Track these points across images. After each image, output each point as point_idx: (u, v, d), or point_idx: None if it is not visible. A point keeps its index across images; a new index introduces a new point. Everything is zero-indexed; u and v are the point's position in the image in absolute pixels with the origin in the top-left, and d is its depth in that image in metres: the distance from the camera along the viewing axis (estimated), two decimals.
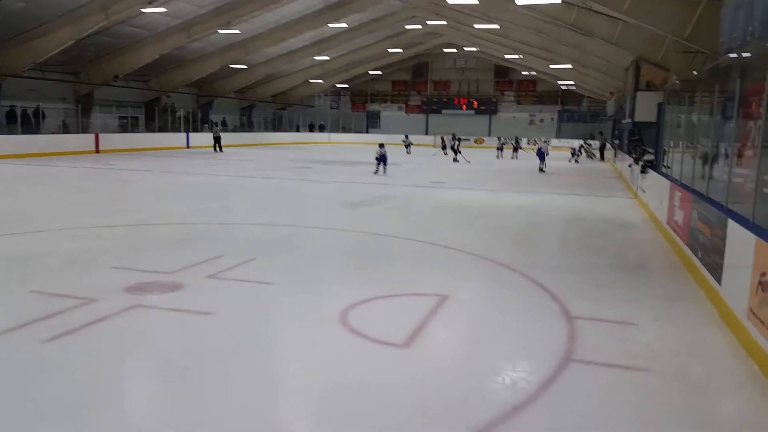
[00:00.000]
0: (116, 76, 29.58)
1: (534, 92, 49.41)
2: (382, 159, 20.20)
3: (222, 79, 39.11)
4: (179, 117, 35.37)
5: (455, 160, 27.79)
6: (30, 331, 4.82)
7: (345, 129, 51.61)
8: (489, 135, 48.17)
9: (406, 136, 35.36)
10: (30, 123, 26.48)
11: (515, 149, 32.60)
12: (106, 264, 7.09)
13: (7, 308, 5.54)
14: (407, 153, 32.94)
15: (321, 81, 46.86)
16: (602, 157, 33.80)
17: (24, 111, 26.26)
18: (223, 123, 41.68)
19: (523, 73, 46.36)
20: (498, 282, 6.93)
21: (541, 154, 24.03)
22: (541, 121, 49.11)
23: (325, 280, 6.76)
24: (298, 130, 49.48)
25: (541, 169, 23.39)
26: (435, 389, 4.06)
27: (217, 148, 32.20)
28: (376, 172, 19.98)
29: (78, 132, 28.25)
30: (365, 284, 6.52)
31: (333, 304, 5.65)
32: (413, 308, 5.68)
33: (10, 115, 25.74)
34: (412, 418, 3.66)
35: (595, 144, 36.11)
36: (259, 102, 45.81)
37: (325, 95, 53.87)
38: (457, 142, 29.38)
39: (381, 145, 20.85)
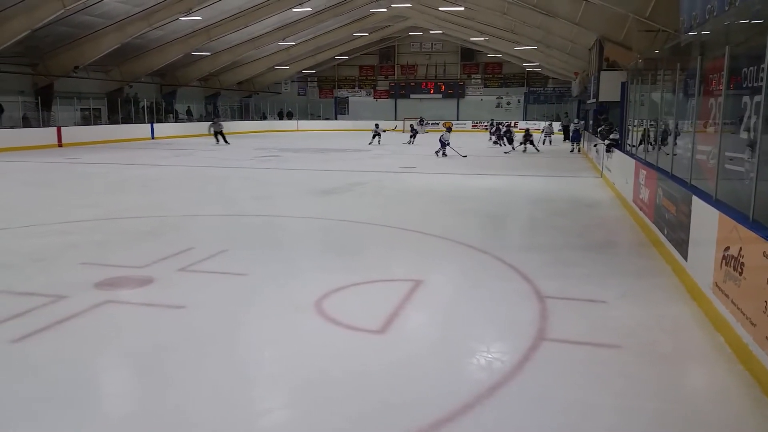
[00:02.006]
0: (76, 67, 28.80)
1: (500, 75, 49.61)
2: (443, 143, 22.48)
3: (185, 68, 38.43)
4: (143, 107, 34.71)
5: (512, 148, 25.09)
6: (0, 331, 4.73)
7: (313, 116, 51.25)
8: (457, 119, 48.32)
9: (377, 125, 30.86)
10: None
11: (502, 137, 26.87)
12: (73, 260, 6.96)
13: None
14: (371, 143, 28.97)
15: (287, 67, 46.34)
16: (566, 137, 34.08)
17: None
18: (188, 112, 41.00)
19: (489, 55, 46.53)
20: (470, 265, 7.00)
21: (577, 136, 25.83)
22: (508, 103, 49.40)
23: (299, 269, 6.74)
24: (265, 118, 48.94)
25: (574, 150, 25.47)
26: (412, 373, 4.10)
27: (220, 140, 29.75)
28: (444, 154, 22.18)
29: (39, 126, 27.54)
30: (339, 272, 6.52)
31: (308, 293, 5.65)
32: (388, 294, 5.70)
33: None
34: (390, 402, 3.69)
35: (557, 125, 36.18)
36: (225, 90, 45.15)
37: (292, 82, 53.30)
38: (504, 128, 27.12)
39: (449, 129, 24.44)
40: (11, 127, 26.12)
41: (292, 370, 4.19)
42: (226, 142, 29.64)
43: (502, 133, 26.99)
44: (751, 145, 5.17)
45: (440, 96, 50.23)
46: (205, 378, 4.02)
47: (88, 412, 3.59)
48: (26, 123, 27.67)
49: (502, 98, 49.62)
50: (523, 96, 49.10)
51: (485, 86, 50.08)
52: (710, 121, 6.31)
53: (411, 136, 31.01)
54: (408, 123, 39.08)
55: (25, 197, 12.74)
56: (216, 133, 29.83)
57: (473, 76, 50.27)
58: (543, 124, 33.85)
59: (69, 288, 5.78)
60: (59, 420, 3.48)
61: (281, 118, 49.86)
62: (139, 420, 3.53)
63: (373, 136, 29.62)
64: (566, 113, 40.06)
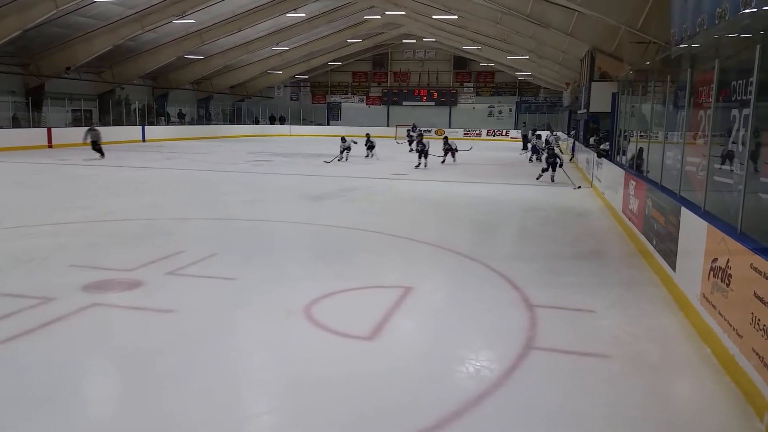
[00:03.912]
0: (68, 68, 28.68)
1: (492, 83, 49.86)
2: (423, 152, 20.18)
3: (178, 70, 38.35)
4: (134, 110, 34.59)
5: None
6: None
7: (306, 121, 51.25)
8: (449, 126, 48.50)
9: (344, 139, 22.87)
10: None
11: (422, 150, 20.36)
12: (62, 262, 6.92)
13: None
14: (340, 159, 22.26)
15: (280, 72, 46.37)
16: (524, 147, 31.64)
17: None
18: (180, 115, 40.89)
19: (482, 64, 46.75)
20: (460, 272, 7.01)
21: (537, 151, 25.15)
22: (500, 112, 49.63)
23: (289, 275, 6.72)
24: (257, 123, 48.91)
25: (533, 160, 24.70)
26: (401, 380, 4.10)
27: (98, 152, 21.75)
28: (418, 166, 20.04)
29: (29, 126, 27.36)
30: (329, 278, 6.52)
31: (297, 299, 5.63)
32: (378, 301, 5.70)
33: None
34: (378, 409, 3.69)
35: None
36: (217, 93, 45.10)
37: (285, 86, 53.34)
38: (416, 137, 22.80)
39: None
40: (0, 127, 25.90)
41: (280, 375, 4.18)
42: (101, 154, 21.74)
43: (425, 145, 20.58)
44: (728, 156, 5.25)
45: (432, 103, 50.40)
46: (194, 382, 4.00)
47: (74, 416, 3.57)
48: (16, 123, 27.48)
49: (494, 107, 49.86)
50: (515, 105, 49.34)
51: (477, 95, 50.31)
52: (699, 133, 6.37)
53: (417, 144, 22.37)
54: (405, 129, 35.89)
55: (14, 198, 12.64)
56: (93, 143, 21.82)
57: (465, 84, 50.49)
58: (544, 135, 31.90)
59: (57, 290, 5.74)
60: (45, 422, 3.45)
61: (273, 123, 49.84)
62: (126, 424, 3.51)
63: (342, 151, 22.26)
64: (524, 123, 37.81)
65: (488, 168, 21.55)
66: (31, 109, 27.80)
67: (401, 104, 50.91)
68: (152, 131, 34.55)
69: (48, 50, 28.09)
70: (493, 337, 4.96)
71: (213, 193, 14.08)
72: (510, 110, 49.44)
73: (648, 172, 8.73)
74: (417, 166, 20.03)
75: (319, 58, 46.33)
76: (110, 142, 29.82)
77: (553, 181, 16.41)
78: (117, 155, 23.50)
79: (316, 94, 53.69)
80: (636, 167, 9.08)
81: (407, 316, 5.40)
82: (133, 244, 8.08)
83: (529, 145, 26.40)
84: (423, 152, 20.25)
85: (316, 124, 51.01)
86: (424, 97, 50.69)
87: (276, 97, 52.98)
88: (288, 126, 49.24)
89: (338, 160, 22.12)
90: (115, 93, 34.00)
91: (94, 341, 4.72)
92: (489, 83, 49.94)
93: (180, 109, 40.96)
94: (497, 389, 3.96)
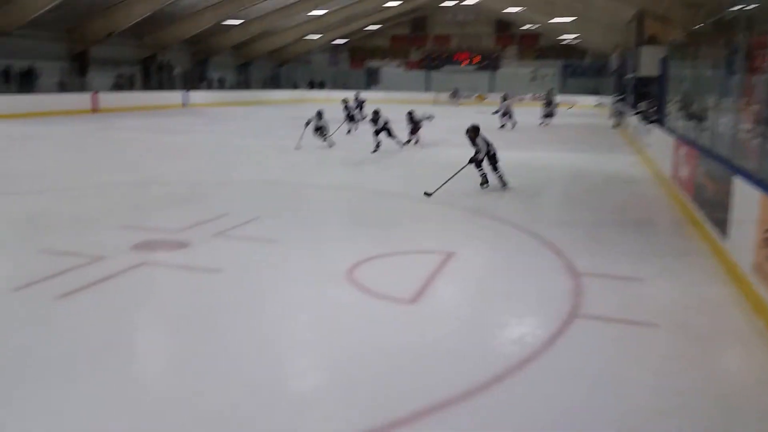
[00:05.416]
0: (110, 34, 29.03)
1: (536, 47, 48.62)
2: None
3: (217, 36, 38.42)
4: (176, 75, 34.91)
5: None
6: (43, 288, 4.87)
7: (344, 86, 50.98)
8: (491, 91, 47.65)
9: (320, 114, 16.40)
10: (27, 82, 26.14)
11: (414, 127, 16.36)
12: (111, 223, 7.10)
13: (18, 266, 5.60)
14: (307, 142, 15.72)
15: (317, 37, 46.08)
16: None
17: (23, 70, 25.80)
18: (220, 81, 41.13)
19: (525, 27, 45.56)
20: (503, 239, 6.95)
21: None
22: (544, 76, 48.39)
23: (331, 238, 6.78)
24: (296, 88, 48.91)
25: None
26: (442, 344, 4.11)
27: None
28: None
29: (75, 91, 27.93)
30: (371, 242, 6.54)
31: (339, 262, 5.68)
32: (419, 265, 5.70)
33: (5, 75, 25.37)
34: (419, 371, 3.71)
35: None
36: (256, 59, 45.13)
37: (323, 52, 53.04)
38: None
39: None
40: (48, 92, 26.46)
41: (324, 337, 4.24)
42: None
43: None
44: None
45: (474, 68, 49.44)
46: (238, 342, 4.08)
47: (126, 369, 3.69)
48: (62, 88, 28.06)
49: (537, 71, 48.62)
50: (559, 69, 47.94)
51: (520, 59, 49.15)
52: (754, 98, 6.12)
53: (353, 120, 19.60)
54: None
55: (63, 161, 12.98)
56: None
57: (508, 48, 49.35)
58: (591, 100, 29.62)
59: (107, 249, 5.90)
60: (99, 376, 3.58)
61: (312, 88, 49.77)
62: (170, 381, 3.62)
63: (317, 130, 15.81)
64: (504, 97, 33.72)
65: (530, 134, 21.13)
66: (76, 74, 28.31)
67: (441, 69, 50.12)
68: (193, 96, 34.87)
69: (90, 16, 28.43)
70: (536, 303, 4.92)
71: (255, 157, 14.21)
72: (554, 74, 48.16)
73: None
74: (374, 151, 14.45)
75: (358, 22, 45.77)
76: (152, 107, 30.36)
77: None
78: (159, 120, 23.85)
79: (354, 59, 53.21)
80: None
81: (449, 281, 5.39)
82: (180, 206, 8.23)
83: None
84: (380, 131, 14.93)
85: (354, 89, 50.70)
86: (465, 62, 49.76)
87: (314, 63, 52.75)
88: (326, 91, 49.06)
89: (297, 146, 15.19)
90: (156, 58, 34.33)
91: (144, 299, 4.86)
92: (532, 47, 48.71)
93: (219, 76, 41.17)
94: (540, 355, 3.93)
